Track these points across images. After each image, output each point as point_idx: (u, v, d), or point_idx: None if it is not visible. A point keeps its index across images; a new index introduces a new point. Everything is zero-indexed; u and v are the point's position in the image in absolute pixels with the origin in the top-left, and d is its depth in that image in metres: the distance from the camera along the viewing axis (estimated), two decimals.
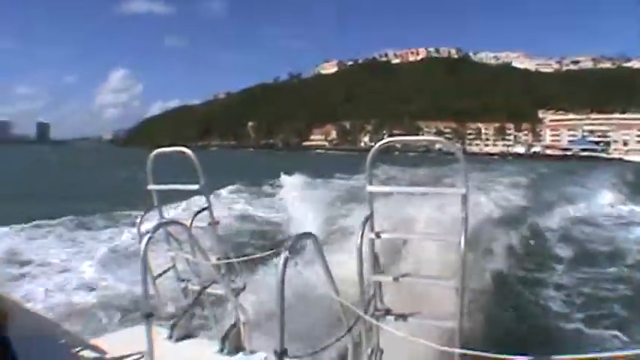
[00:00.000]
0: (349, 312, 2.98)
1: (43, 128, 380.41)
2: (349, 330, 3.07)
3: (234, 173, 29.85)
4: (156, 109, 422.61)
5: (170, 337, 4.09)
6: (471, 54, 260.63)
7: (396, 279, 3.19)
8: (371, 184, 3.12)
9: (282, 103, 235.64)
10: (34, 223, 13.78)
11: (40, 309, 6.48)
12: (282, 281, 2.27)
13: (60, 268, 9.79)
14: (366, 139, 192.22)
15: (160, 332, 3.88)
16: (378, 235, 3.19)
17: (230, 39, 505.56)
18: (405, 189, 9.00)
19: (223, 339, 3.93)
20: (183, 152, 3.99)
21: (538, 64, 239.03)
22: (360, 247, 3.03)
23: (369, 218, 3.15)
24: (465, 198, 2.96)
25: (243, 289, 4.09)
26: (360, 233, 3.07)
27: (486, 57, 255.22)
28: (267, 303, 5.95)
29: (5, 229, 13.01)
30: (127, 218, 14.73)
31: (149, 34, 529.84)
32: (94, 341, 4.06)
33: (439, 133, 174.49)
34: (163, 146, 4.16)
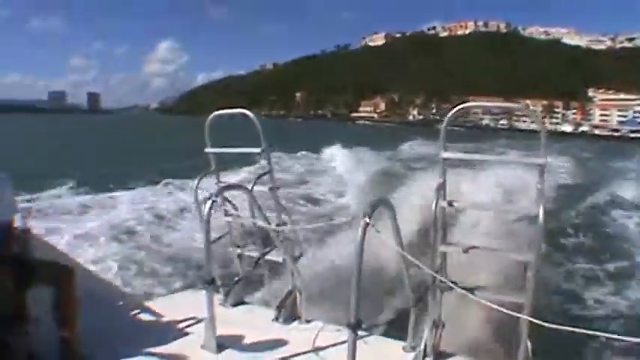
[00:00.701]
0: (415, 283, 2.97)
1: (93, 98, 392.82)
2: (420, 300, 3.09)
3: (286, 140, 29.38)
4: (201, 79, 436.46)
5: (225, 303, 4.05)
6: (520, 28, 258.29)
7: (465, 250, 3.10)
8: (445, 150, 3.03)
9: (330, 75, 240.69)
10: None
11: (98, 268, 6.63)
12: (361, 249, 2.22)
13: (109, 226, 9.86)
14: (415, 112, 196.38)
15: (215, 297, 3.53)
16: (450, 204, 3.12)
17: (275, 10, 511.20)
18: (480, 156, 9.17)
19: (279, 307, 3.86)
20: (244, 114, 3.95)
21: (590, 41, 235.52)
22: (435, 215, 2.98)
23: (442, 186, 3.08)
24: (542, 169, 2.92)
25: (301, 256, 4.07)
26: (435, 201, 2.99)
27: (536, 32, 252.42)
28: (328, 269, 5.97)
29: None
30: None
31: (195, 6, 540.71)
32: (150, 304, 4.14)
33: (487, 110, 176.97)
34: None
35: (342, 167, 20.17)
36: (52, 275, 2.96)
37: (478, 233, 7.10)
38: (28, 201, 11.48)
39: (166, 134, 58.26)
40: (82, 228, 9.51)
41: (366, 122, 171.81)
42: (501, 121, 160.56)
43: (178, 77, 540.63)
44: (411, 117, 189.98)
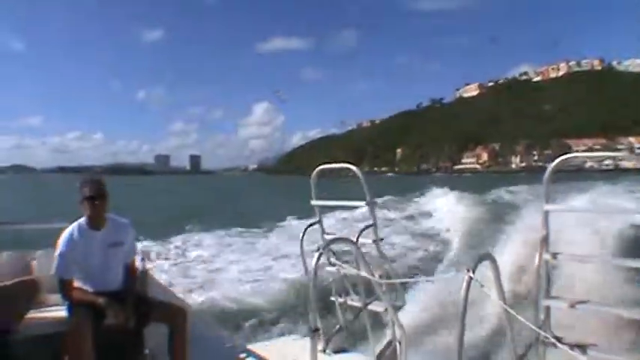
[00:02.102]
0: (518, 337, 2.88)
1: (195, 160, 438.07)
2: (523, 356, 3.01)
3: (392, 193, 30.34)
4: (296, 139, 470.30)
5: (326, 350, 4.14)
6: (615, 63, 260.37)
7: (572, 305, 3.00)
8: (547, 202, 3.08)
9: (428, 128, 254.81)
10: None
11: (207, 311, 7.25)
12: (466, 303, 2.21)
13: (225, 273, 10.70)
14: (517, 160, 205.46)
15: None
16: (554, 256, 3.07)
17: (363, 68, 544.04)
18: (585, 208, 9.51)
19: (379, 356, 3.93)
20: (349, 168, 4.12)
21: None
22: (539, 268, 2.98)
23: (546, 238, 3.09)
24: None
25: (403, 306, 4.17)
26: (539, 254, 3.00)
27: (633, 64, 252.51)
28: (429, 320, 6.16)
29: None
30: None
31: (287, 69, 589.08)
32: (255, 348, 4.35)
33: (590, 150, 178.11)
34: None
35: (444, 213, 20.42)
36: (167, 314, 3.36)
37: (585, 286, 6.42)
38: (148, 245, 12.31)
39: (274, 191, 61.54)
40: (194, 271, 10.53)
41: (470, 174, 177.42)
42: (605, 162, 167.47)
43: (275, 138, 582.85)
44: (513, 165, 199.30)
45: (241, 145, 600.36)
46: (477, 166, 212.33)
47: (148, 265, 4.08)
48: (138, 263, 3.80)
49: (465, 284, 2.20)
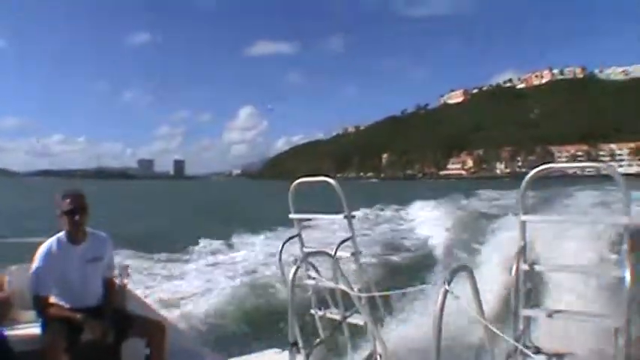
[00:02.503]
0: (498, 349, 2.86)
1: (179, 165, 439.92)
2: None
3: (376, 200, 30.57)
4: (280, 144, 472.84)
5: None
6: (597, 71, 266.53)
7: (549, 315, 3.07)
8: (524, 213, 3.08)
9: (413, 134, 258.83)
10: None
11: (185, 325, 7.18)
12: (441, 316, 2.18)
13: (199, 284, 10.40)
14: (502, 166, 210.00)
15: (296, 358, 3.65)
16: (532, 267, 3.14)
17: (350, 73, 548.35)
18: (561, 218, 9.26)
19: None
20: (327, 181, 4.13)
21: None
22: (517, 278, 3.01)
23: (523, 249, 3.14)
24: (627, 228, 2.87)
25: (383, 320, 4.22)
26: (515, 264, 3.04)
27: (614, 73, 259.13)
28: (410, 335, 6.17)
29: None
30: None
31: (272, 73, 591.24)
32: None
33: (572, 157, 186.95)
34: (299, 178, 4.35)
35: (424, 221, 20.59)
36: (146, 329, 3.37)
37: (564, 295, 6.60)
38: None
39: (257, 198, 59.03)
40: (171, 285, 10.25)
41: (455, 180, 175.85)
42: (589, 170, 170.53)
43: (258, 143, 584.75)
44: (498, 171, 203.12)
45: (225, 149, 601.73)
46: (463, 172, 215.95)
47: (126, 280, 4.07)
48: (116, 278, 3.83)
49: (440, 297, 2.21)
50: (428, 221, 20.50)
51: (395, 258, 13.88)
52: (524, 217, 3.11)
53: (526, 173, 2.94)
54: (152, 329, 3.39)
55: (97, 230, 3.59)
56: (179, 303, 8.90)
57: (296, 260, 3.42)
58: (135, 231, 21.73)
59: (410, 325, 6.64)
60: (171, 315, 7.06)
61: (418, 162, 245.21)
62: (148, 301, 5.24)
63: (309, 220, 4.97)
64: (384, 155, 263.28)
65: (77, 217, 3.30)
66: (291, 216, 4.42)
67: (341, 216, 4.17)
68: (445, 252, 13.74)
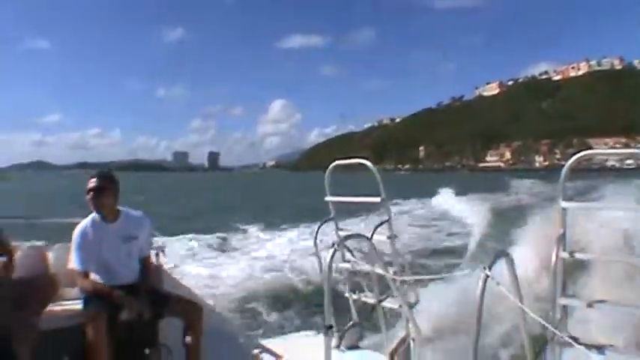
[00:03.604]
0: (534, 336, 2.89)
1: (213, 157, 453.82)
2: (538, 355, 2.98)
3: (414, 192, 30.72)
4: (314, 136, 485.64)
5: (339, 346, 4.25)
6: (635, 62, 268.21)
7: (589, 304, 3.03)
8: (564, 199, 3.04)
9: (450, 126, 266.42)
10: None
11: (223, 306, 7.20)
12: (482, 301, 2.21)
13: (239, 266, 10.90)
14: (540, 159, 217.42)
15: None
16: (571, 255, 3.07)
17: (381, 66, 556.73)
18: (601, 204, 9.42)
19: (392, 353, 4.02)
20: (363, 164, 4.16)
21: None
22: (555, 267, 2.99)
23: (563, 236, 3.08)
24: None
25: (417, 303, 4.25)
26: (555, 252, 3.01)
27: None
28: (443, 319, 6.14)
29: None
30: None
31: (305, 66, 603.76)
32: (269, 343, 4.50)
33: (611, 149, 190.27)
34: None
35: (458, 211, 20.85)
36: (182, 309, 3.38)
37: (604, 284, 6.49)
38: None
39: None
40: (210, 267, 10.60)
41: (494, 172, 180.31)
42: (627, 161, 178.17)
43: (291, 135, 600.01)
44: (537, 164, 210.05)
45: (258, 141, 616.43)
46: (501, 164, 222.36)
47: (163, 261, 4.18)
48: (153, 258, 3.92)
49: (481, 282, 2.23)
50: (464, 210, 20.82)
51: (431, 243, 14.18)
52: (564, 204, 3.08)
53: (564, 166, 2.97)
54: (188, 309, 3.43)
55: (134, 210, 3.64)
56: (217, 285, 8.99)
57: (333, 244, 3.35)
58: (176, 214, 23.43)
59: (445, 309, 6.55)
60: (208, 297, 6.78)
61: (456, 154, 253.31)
62: (185, 282, 5.13)
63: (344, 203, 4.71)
64: (421, 147, 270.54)
65: (96, 195, 3.32)
66: (327, 198, 4.46)
67: (378, 199, 4.18)
68: (480, 239, 13.85)
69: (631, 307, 3.37)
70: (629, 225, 9.02)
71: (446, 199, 25.98)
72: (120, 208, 3.48)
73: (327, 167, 4.39)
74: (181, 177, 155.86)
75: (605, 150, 3.95)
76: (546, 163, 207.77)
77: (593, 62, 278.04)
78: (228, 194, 53.22)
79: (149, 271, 3.59)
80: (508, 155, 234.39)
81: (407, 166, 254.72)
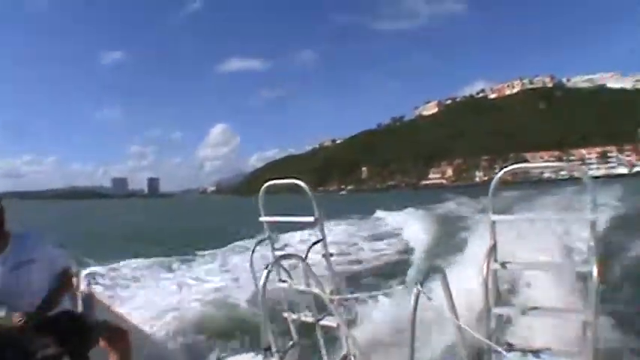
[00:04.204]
0: (471, 347, 2.97)
1: (153, 183, 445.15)
2: None
3: (354, 210, 30.72)
4: (254, 160, 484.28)
5: None
6: (564, 80, 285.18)
7: (523, 312, 3.23)
8: (494, 212, 3.17)
9: (391, 146, 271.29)
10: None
11: (155, 330, 7.10)
12: (414, 317, 2.28)
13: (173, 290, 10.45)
14: (481, 174, 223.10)
15: None
16: (503, 265, 3.22)
17: (321, 88, 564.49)
18: (529, 216, 9.56)
19: None
20: (296, 184, 4.17)
21: (636, 81, 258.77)
22: (487, 277, 3.07)
23: (493, 248, 3.22)
24: (593, 224, 2.99)
25: (355, 321, 4.52)
26: (486, 263, 3.12)
27: (580, 81, 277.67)
28: (381, 335, 6.15)
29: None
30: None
31: (245, 89, 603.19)
32: None
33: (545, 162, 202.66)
34: (282, 193, 4.37)
35: (398, 227, 20.97)
36: (108, 336, 3.36)
37: (538, 293, 6.80)
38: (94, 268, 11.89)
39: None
40: (142, 293, 10.17)
41: (436, 189, 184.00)
42: (561, 173, 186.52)
43: (232, 159, 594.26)
44: (477, 179, 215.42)
45: (198, 166, 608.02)
46: (443, 181, 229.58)
47: (95, 288, 4.10)
48: (83, 286, 3.81)
49: (413, 298, 2.26)
50: (403, 226, 20.84)
51: (369, 260, 13.95)
52: (493, 217, 3.24)
53: (503, 180, 3.09)
54: (115, 335, 3.37)
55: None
56: (157, 310, 8.74)
57: (267, 265, 3.54)
58: (114, 240, 23.30)
59: (384, 325, 6.52)
60: (146, 322, 6.92)
61: (399, 173, 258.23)
62: (118, 309, 5.05)
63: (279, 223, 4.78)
64: (364, 168, 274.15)
65: None
66: (261, 219, 4.43)
67: (311, 218, 4.18)
68: (420, 254, 13.89)
69: (559, 312, 3.64)
70: (560, 232, 9.69)
71: (386, 216, 26.36)
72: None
73: (273, 191, 4.42)
74: (120, 203, 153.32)
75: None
76: (486, 178, 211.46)
77: (526, 80, 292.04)
78: (168, 219, 52.76)
79: (62, 289, 3.39)
80: (450, 172, 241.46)
81: (350, 187, 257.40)
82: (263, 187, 4.41)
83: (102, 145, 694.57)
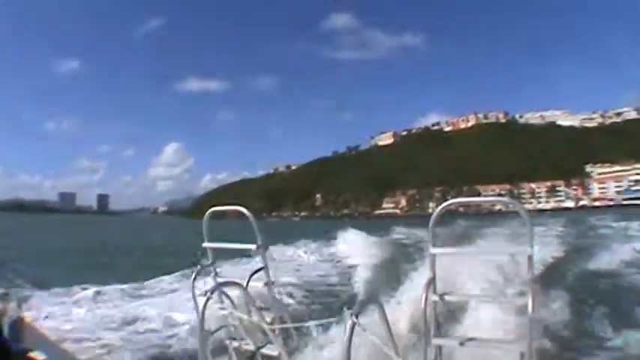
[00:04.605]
0: None
1: (103, 200, 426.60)
2: None
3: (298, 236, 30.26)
4: (206, 181, 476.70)
5: None
6: (517, 116, 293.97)
7: (461, 343, 3.34)
8: (434, 245, 3.37)
9: (346, 174, 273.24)
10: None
11: (91, 356, 7.04)
12: (349, 347, 2.29)
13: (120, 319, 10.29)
14: (434, 205, 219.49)
15: None
16: (441, 298, 3.36)
17: (278, 114, 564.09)
18: (468, 250, 9.84)
19: None
20: (240, 211, 4.33)
21: (582, 119, 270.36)
22: (425, 309, 3.22)
23: (432, 280, 3.34)
24: (530, 259, 3.17)
25: (296, 350, 4.49)
26: (424, 295, 3.25)
27: (532, 117, 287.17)
28: None
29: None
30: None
31: (202, 110, 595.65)
32: None
33: (497, 196, 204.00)
34: (233, 216, 4.48)
35: (347, 255, 20.87)
36: None
37: (479, 324, 6.98)
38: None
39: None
40: (76, 318, 10.03)
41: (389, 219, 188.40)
42: (509, 205, 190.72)
43: (184, 179, 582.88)
44: (430, 210, 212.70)
45: (150, 185, 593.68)
46: (397, 211, 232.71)
47: (26, 313, 3.99)
48: (12, 311, 3.75)
49: (348, 329, 2.30)
50: (350, 255, 20.70)
51: (317, 286, 13.99)
52: (433, 250, 3.45)
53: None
54: None
55: None
56: (84, 334, 8.44)
57: (206, 292, 3.60)
58: (61, 263, 23.12)
59: (323, 355, 6.56)
60: (79, 353, 6.63)
61: (353, 201, 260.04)
62: (52, 336, 4.95)
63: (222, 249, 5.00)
64: (318, 195, 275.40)
65: None
66: (205, 245, 4.56)
67: (254, 246, 4.26)
68: (363, 283, 13.99)
69: (497, 343, 3.82)
70: (504, 262, 10.10)
71: (336, 243, 26.53)
72: None
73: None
74: (67, 219, 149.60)
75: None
76: (439, 208, 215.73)
77: (480, 115, 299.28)
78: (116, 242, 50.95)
79: None
80: (403, 202, 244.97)
81: (304, 213, 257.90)
82: (207, 213, 4.65)
83: (51, 157, 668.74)
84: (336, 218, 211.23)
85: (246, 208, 4.67)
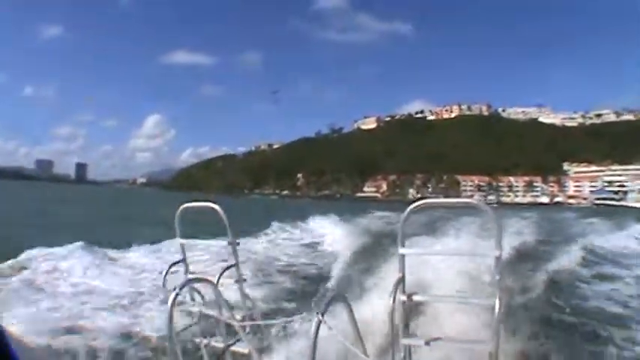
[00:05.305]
0: None
1: (81, 169, 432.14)
2: None
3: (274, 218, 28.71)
4: (186, 155, 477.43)
5: None
6: (500, 110, 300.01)
7: (427, 342, 3.29)
8: (403, 245, 3.31)
9: (328, 156, 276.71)
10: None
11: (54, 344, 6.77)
12: (315, 345, 2.35)
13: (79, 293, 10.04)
14: (414, 191, 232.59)
15: None
16: (410, 298, 3.33)
17: (264, 91, 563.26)
18: (438, 251, 9.95)
19: None
20: (212, 207, 4.28)
21: (563, 119, 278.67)
22: (393, 309, 3.18)
23: (401, 280, 3.31)
24: (498, 260, 3.16)
25: (267, 347, 4.46)
26: (392, 296, 3.21)
27: (515, 112, 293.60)
28: None
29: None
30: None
31: (186, 85, 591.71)
32: None
33: (476, 187, 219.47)
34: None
35: (320, 242, 20.49)
36: None
37: (447, 324, 6.96)
38: None
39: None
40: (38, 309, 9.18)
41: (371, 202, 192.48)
42: (489, 197, 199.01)
43: (164, 152, 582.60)
44: (410, 196, 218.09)
45: (129, 156, 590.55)
46: (378, 195, 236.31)
47: None
48: None
49: (314, 327, 2.36)
50: (325, 242, 20.19)
51: (290, 281, 13.48)
52: (402, 250, 3.37)
53: (435, 198, 3.37)
54: None
55: None
56: (46, 327, 7.75)
57: (175, 287, 3.51)
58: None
59: (295, 351, 6.39)
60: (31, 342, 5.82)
61: (335, 183, 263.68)
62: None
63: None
64: (299, 175, 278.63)
65: None
66: (179, 241, 4.56)
67: (225, 242, 4.33)
68: (336, 279, 13.42)
69: (465, 343, 3.91)
70: (474, 267, 9.89)
71: (314, 226, 25.90)
72: None
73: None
74: (45, 187, 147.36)
75: (436, 200, 4.75)
76: (419, 195, 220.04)
77: (464, 106, 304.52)
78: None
79: None
80: (384, 187, 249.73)
81: (285, 192, 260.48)
82: (179, 210, 4.55)
83: (28, 122, 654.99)
84: (316, 198, 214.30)
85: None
